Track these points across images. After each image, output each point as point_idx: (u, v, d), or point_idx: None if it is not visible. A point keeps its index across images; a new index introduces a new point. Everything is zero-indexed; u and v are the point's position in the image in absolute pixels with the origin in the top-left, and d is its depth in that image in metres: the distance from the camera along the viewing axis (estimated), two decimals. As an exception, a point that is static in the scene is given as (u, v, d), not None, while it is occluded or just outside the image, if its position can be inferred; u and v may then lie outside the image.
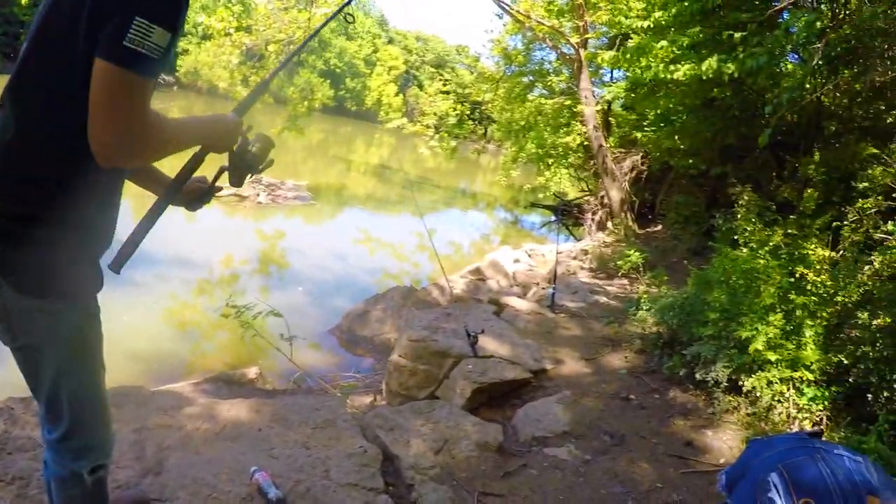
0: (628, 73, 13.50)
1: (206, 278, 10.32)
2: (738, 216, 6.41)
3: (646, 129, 13.35)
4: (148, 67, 1.44)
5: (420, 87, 70.72)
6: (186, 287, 9.67)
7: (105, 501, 2.24)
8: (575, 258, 12.25)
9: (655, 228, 14.44)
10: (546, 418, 4.80)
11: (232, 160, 2.03)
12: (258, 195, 16.43)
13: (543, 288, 8.99)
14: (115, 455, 3.26)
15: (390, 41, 75.95)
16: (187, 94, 42.39)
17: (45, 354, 1.84)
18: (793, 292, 5.34)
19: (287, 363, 6.67)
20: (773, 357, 4.98)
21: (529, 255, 12.98)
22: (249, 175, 2.09)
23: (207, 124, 1.89)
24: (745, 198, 6.45)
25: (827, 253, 5.94)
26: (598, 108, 15.03)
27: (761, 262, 5.67)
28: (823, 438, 1.97)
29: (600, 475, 4.08)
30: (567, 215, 17.27)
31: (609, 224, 13.86)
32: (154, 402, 4.04)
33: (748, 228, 6.20)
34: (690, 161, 12.11)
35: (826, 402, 4.85)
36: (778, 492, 1.74)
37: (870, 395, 4.67)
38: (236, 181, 2.08)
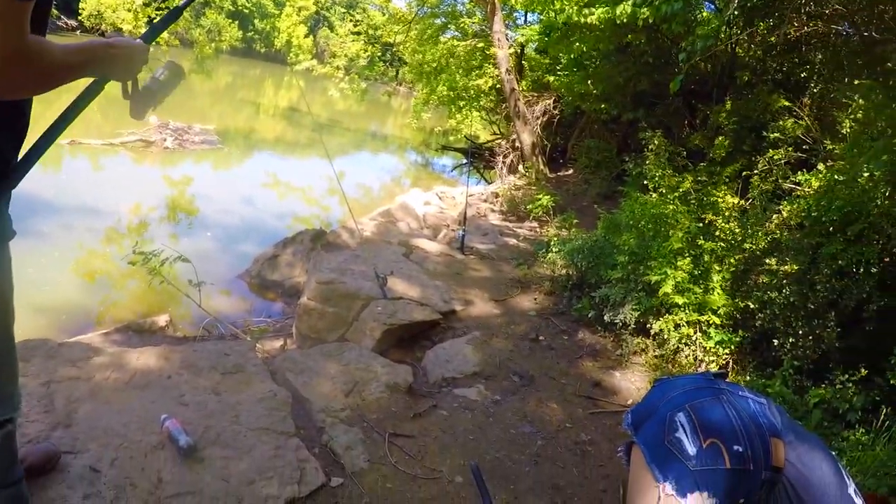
0: (542, 17, 13.43)
1: (114, 227, 9.92)
2: (648, 161, 6.44)
3: (559, 73, 13.34)
4: None
5: (331, 28, 69.19)
6: (93, 236, 9.30)
7: (14, 456, 2.12)
8: (486, 201, 12.24)
9: (567, 172, 14.53)
10: (456, 359, 4.78)
11: (134, 88, 1.86)
12: (165, 140, 15.87)
13: (454, 230, 8.92)
14: (23, 409, 3.13)
15: (301, -19, 74.21)
16: (91, 38, 40.61)
17: None
18: (701, 238, 5.42)
19: (197, 310, 6.51)
20: (680, 301, 5.05)
21: (440, 198, 12.90)
22: (152, 107, 1.93)
23: (105, 47, 1.73)
24: (656, 143, 6.49)
25: (736, 201, 6.04)
26: (511, 51, 14.94)
27: (671, 207, 5.72)
28: (728, 380, 1.95)
29: (510, 415, 4.08)
30: (478, 158, 17.23)
31: (520, 167, 13.87)
32: (62, 354, 3.87)
33: (658, 174, 6.24)
34: (603, 106, 12.15)
35: (732, 347, 4.96)
36: (685, 431, 1.70)
37: (775, 341, 4.79)
38: (138, 113, 1.90)
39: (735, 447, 1.66)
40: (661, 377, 2.01)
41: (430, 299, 5.77)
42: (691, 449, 1.67)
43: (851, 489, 1.78)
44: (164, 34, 15.23)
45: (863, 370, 4.11)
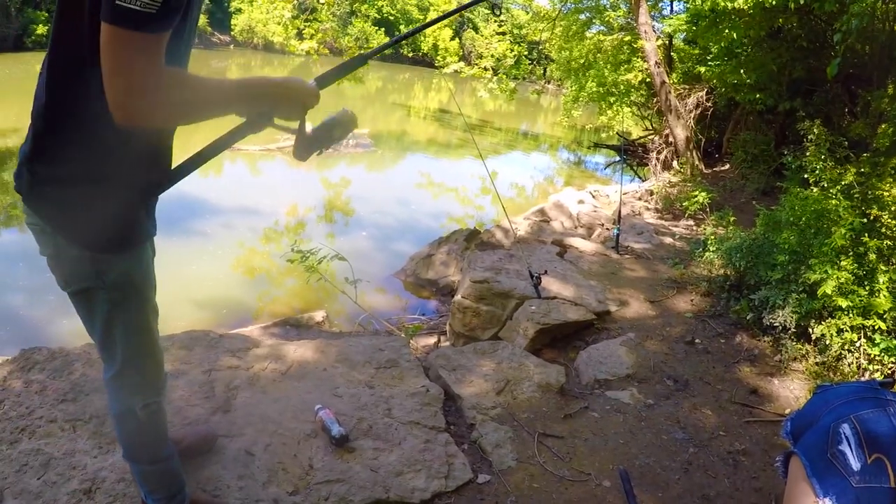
0: (688, 5, 13.08)
1: (272, 227, 10.52)
2: (808, 153, 6.18)
3: (709, 63, 12.92)
4: (145, 23, 1.39)
5: (475, 29, 69.52)
6: (253, 235, 9.90)
7: (161, 433, 2.33)
8: (640, 199, 12.06)
9: (723, 167, 14.09)
10: (609, 361, 4.78)
11: (301, 130, 1.95)
12: (321, 144, 16.51)
13: (608, 229, 8.86)
14: (185, 394, 3.44)
15: (442, -15, 74.82)
16: (244, 52, 42.81)
17: (96, 299, 1.94)
18: (866, 235, 5.16)
19: (353, 306, 6.78)
20: (843, 303, 4.82)
21: (594, 196, 12.81)
22: (317, 152, 2.02)
23: (276, 85, 1.82)
24: (815, 132, 6.21)
25: (903, 194, 5.71)
26: (659, 42, 14.61)
27: (833, 202, 5.47)
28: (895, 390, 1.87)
29: (662, 420, 4.05)
30: (631, 155, 16.95)
31: (674, 163, 13.55)
32: (222, 345, 4.18)
33: (818, 166, 5.99)
34: (757, 96, 11.67)
35: (898, 355, 4.70)
36: (850, 445, 1.63)
37: (946, 352, 4.51)
38: (301, 154, 1.98)
39: None
40: (822, 384, 1.94)
41: (585, 299, 5.78)
42: (856, 464, 1.60)
43: None
44: (314, 43, 15.89)
45: None
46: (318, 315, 6.31)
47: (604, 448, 3.69)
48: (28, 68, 27.92)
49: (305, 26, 15.68)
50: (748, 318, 5.45)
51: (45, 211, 1.80)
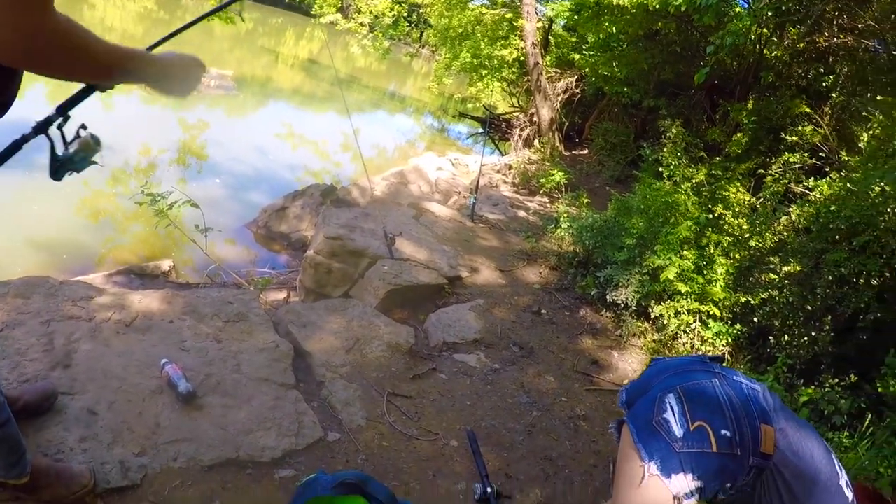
0: (576, -7, 13.32)
1: (122, 168, 9.88)
2: (665, 149, 6.48)
3: (585, 52, 13.28)
4: None
5: (358, -18, 68.52)
6: (100, 175, 9.25)
7: None
8: (499, 172, 12.23)
9: (581, 152, 14.51)
10: (458, 325, 4.84)
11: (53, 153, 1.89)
12: (180, 82, 15.74)
13: (465, 197, 8.96)
14: (23, 347, 3.19)
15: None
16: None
17: None
18: (709, 229, 5.48)
19: (202, 257, 6.52)
20: (683, 288, 5.12)
21: (453, 164, 12.88)
22: (68, 174, 1.96)
23: (158, 62, 1.78)
24: (674, 131, 6.52)
25: (747, 198, 6.10)
26: (540, 25, 14.81)
27: (682, 196, 5.77)
28: (724, 365, 2.00)
29: (507, 384, 4.16)
30: (494, 129, 17.13)
31: (536, 142, 13.81)
32: (63, 292, 3.83)
33: (674, 162, 6.29)
34: (625, 90, 12.11)
35: (729, 339, 5.05)
36: (674, 413, 1.76)
37: (771, 338, 4.90)
38: (54, 175, 1.95)
39: (723, 431, 1.71)
40: (656, 357, 2.05)
41: (437, 263, 5.82)
42: (679, 430, 1.72)
43: (843, 480, 1.83)
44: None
45: (852, 376, 4.21)
46: (165, 264, 6.05)
47: (451, 409, 3.75)
48: None
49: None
50: (593, 293, 5.69)
51: None
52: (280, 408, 3.29)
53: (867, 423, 3.93)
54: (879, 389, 4.05)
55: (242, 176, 11.06)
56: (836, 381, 4.24)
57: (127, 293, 4.09)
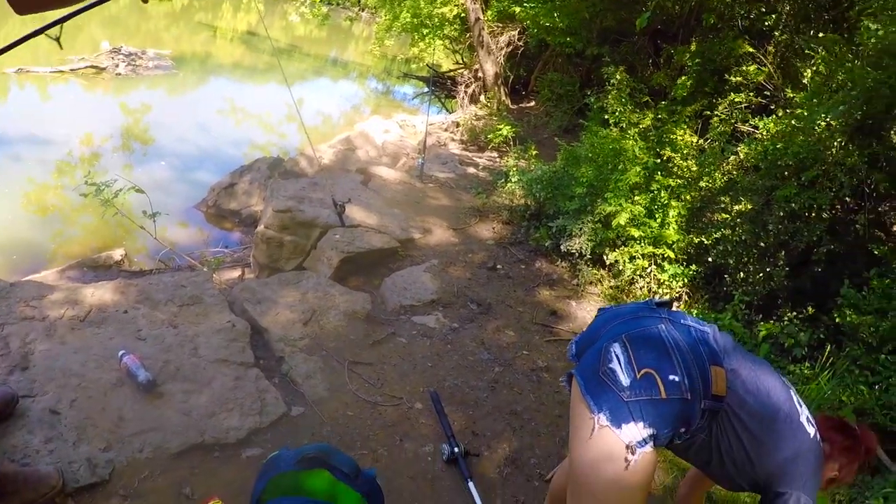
0: (513, -55, 13.14)
1: (66, 159, 9.61)
2: (610, 96, 6.46)
3: (525, 4, 13.14)
4: None
5: (292, -54, 66.93)
6: (44, 169, 8.98)
7: None
8: (446, 130, 12.13)
9: (528, 104, 14.43)
10: (414, 287, 4.81)
11: None
12: (117, 66, 15.34)
13: (413, 158, 8.87)
14: None
15: None
16: None
17: None
18: (658, 173, 5.48)
19: (154, 243, 6.44)
20: (636, 233, 5.14)
21: (400, 126, 12.75)
22: None
23: None
24: (618, 77, 6.50)
25: (694, 140, 6.11)
26: (477, -22, 14.65)
27: (630, 142, 5.77)
28: (673, 309, 1.97)
29: (468, 342, 4.16)
30: (440, 87, 16.98)
31: (482, 98, 13.70)
32: (14, 294, 3.76)
33: (619, 109, 6.28)
34: (568, 39, 11.98)
35: (685, 280, 5.08)
36: (619, 362, 1.73)
37: (727, 277, 4.95)
38: None
39: (671, 377, 1.69)
40: (603, 307, 2.02)
41: (389, 227, 5.76)
42: (625, 380, 1.70)
43: (804, 416, 1.83)
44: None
45: (810, 309, 4.28)
46: (117, 254, 5.94)
47: (413, 372, 3.74)
48: None
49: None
50: (547, 245, 5.69)
51: None
52: (241, 387, 3.27)
53: (827, 353, 4.00)
54: (837, 320, 4.11)
55: (188, 156, 10.86)
56: (794, 314, 4.32)
57: (79, 287, 4.03)
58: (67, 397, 2.97)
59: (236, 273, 6.00)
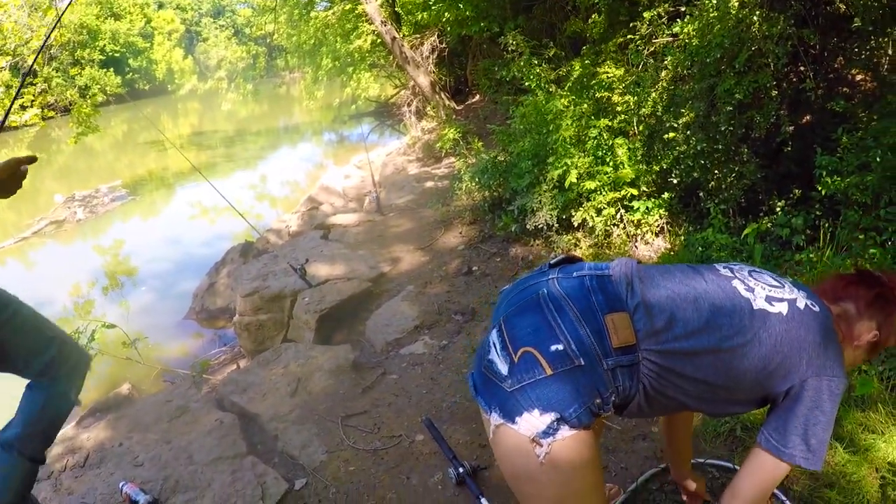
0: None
1: (61, 315, 9.69)
2: (515, 63, 6.37)
3: (431, 7, 13.08)
4: None
5: (205, 41, 67.21)
6: None
7: None
8: (403, 154, 12.11)
9: (474, 99, 14.39)
10: (395, 319, 4.74)
11: None
12: (75, 213, 15.49)
13: (367, 195, 8.80)
14: None
15: (160, 6, 71.33)
16: None
17: None
18: (592, 118, 5.33)
19: (151, 366, 6.42)
20: (592, 185, 4.99)
21: (358, 168, 12.76)
22: None
23: None
24: (512, 41, 6.40)
25: (621, 72, 5.95)
26: (380, 1, 14.64)
27: (557, 100, 5.63)
28: (574, 261, 1.70)
29: (459, 355, 4.05)
30: (388, 115, 16.98)
31: (428, 110, 13.68)
32: None
33: (533, 72, 6.15)
34: (482, 24, 11.90)
35: (661, 210, 4.92)
36: (496, 350, 1.52)
37: (701, 193, 4.75)
38: None
39: (553, 347, 1.46)
40: (502, 289, 1.77)
41: (357, 270, 5.69)
42: (503, 368, 1.49)
43: (761, 299, 1.57)
44: (36, 109, 14.77)
45: (796, 192, 4.10)
46: (124, 388, 5.91)
47: (408, 405, 3.63)
48: None
49: (24, 93, 14.46)
50: (514, 229, 5.56)
51: None
52: (240, 479, 3.22)
53: (824, 231, 3.82)
54: (822, 191, 3.93)
55: (167, 273, 10.91)
56: (783, 202, 4.13)
57: (77, 436, 4.10)
58: None
59: (232, 367, 5.93)
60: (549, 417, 1.43)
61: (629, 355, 1.48)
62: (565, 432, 1.44)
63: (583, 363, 1.44)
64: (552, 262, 1.68)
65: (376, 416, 3.58)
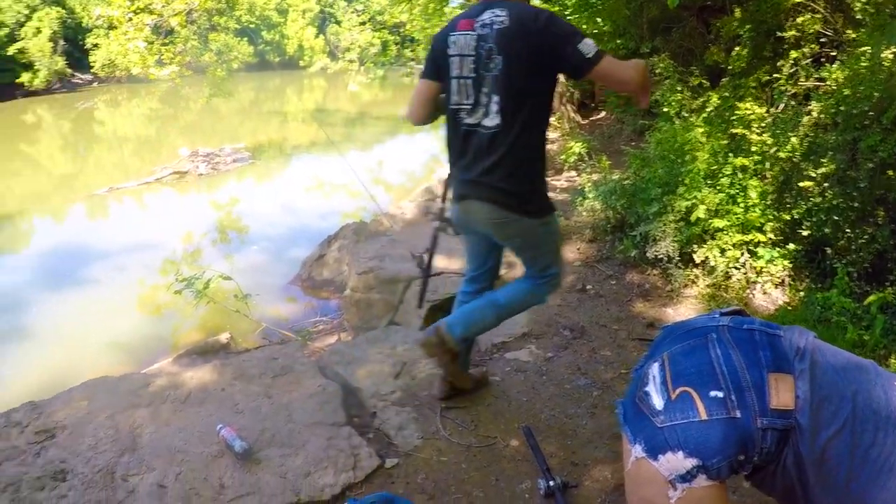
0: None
1: (170, 259, 10.20)
2: (663, 88, 6.29)
3: (568, 17, 13.05)
4: None
5: (338, 23, 68.50)
6: (152, 271, 9.60)
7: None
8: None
9: (599, 115, 14.29)
10: (504, 323, 4.72)
11: None
12: (197, 167, 16.18)
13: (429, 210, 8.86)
14: (93, 442, 3.45)
15: (297, -15, 73.17)
16: (108, 87, 41.32)
17: (542, 244, 3.23)
18: (730, 155, 5.26)
19: (255, 322, 6.66)
20: (720, 223, 4.93)
21: (475, 166, 12.81)
22: None
23: None
24: (661, 66, 6.32)
25: (763, 110, 5.84)
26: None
27: (695, 130, 5.57)
28: (748, 316, 1.63)
29: (563, 370, 4.06)
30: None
31: (552, 120, 13.67)
32: (121, 386, 4.10)
33: (676, 98, 6.08)
34: (618, 42, 11.82)
35: (785, 262, 4.80)
36: (655, 384, 1.49)
37: (828, 249, 4.60)
38: None
39: (712, 393, 1.42)
40: (666, 325, 1.75)
41: (473, 268, 5.73)
42: (659, 402, 1.46)
43: None
44: (174, 66, 15.45)
45: (929, 266, 3.92)
46: (223, 338, 6.17)
47: (507, 410, 3.66)
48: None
49: (164, 51, 15.16)
50: (633, 255, 5.51)
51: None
52: (334, 446, 3.34)
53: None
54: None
55: (279, 237, 11.34)
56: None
57: (181, 372, 4.32)
58: (173, 471, 3.18)
59: (333, 339, 6.11)
60: (691, 462, 1.40)
61: (784, 419, 1.41)
62: (702, 481, 1.40)
63: (738, 416, 1.40)
64: (724, 311, 1.64)
65: (475, 414, 3.63)
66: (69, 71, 41.43)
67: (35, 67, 38.13)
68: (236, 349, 6.10)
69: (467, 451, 3.30)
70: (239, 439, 3.28)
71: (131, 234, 11.78)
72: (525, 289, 3.38)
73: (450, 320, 3.39)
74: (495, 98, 2.82)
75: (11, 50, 36.78)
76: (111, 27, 15.41)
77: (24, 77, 37.64)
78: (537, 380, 3.96)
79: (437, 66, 3.02)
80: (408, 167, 17.08)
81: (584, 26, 11.73)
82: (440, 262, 5.81)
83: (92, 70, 42.02)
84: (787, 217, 4.89)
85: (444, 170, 12.12)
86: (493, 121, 2.85)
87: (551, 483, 2.89)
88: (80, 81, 42.07)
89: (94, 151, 24.60)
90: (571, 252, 6.12)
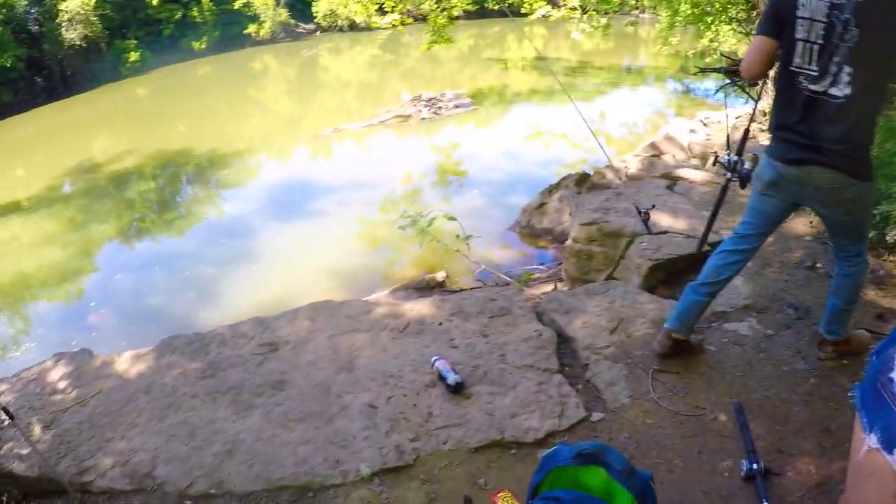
0: None
1: (389, 198, 10.74)
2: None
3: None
4: None
5: (559, -32, 66.65)
6: (373, 208, 10.17)
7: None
8: (754, 120, 11.55)
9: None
10: (726, 292, 4.58)
11: None
12: (420, 112, 16.74)
13: (717, 156, 8.59)
14: (313, 359, 3.82)
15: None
16: (330, 36, 43.13)
17: (869, 207, 3.39)
18: None
19: (472, 263, 6.89)
20: (976, 211, 4.53)
21: (705, 125, 12.39)
22: None
23: None
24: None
25: None
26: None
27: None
28: None
29: (783, 350, 3.96)
30: (739, 76, 16.20)
31: (786, 76, 12.83)
32: (342, 311, 4.47)
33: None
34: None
35: None
36: None
37: None
38: None
39: None
40: None
41: (697, 231, 5.59)
42: None
43: None
44: (396, 14, 15.92)
45: None
46: (439, 276, 6.48)
47: (720, 381, 3.66)
48: (129, 94, 29.21)
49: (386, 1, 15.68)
50: (871, 236, 5.15)
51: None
52: (543, 391, 3.49)
53: None
54: None
55: (499, 182, 11.56)
56: None
57: (400, 304, 4.63)
58: (385, 395, 3.47)
59: (549, 287, 6.24)
60: None
61: None
62: None
63: None
64: None
65: (686, 381, 3.65)
66: (292, 21, 43.73)
67: (261, 19, 40.88)
68: (451, 287, 6.40)
69: (674, 418, 3.35)
70: (453, 372, 3.51)
71: (353, 173, 12.55)
72: (857, 271, 3.53)
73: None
74: (847, 69, 2.80)
75: (238, 4, 39.64)
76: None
77: (251, 28, 40.54)
78: (754, 356, 3.89)
79: (780, 25, 2.99)
80: (630, 120, 16.75)
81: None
82: (664, 220, 5.79)
83: (315, 20, 44.26)
84: None
85: (669, 126, 11.93)
86: (842, 91, 2.84)
87: (755, 466, 2.85)
88: (303, 31, 44.44)
89: (317, 96, 25.99)
90: (803, 224, 5.83)
